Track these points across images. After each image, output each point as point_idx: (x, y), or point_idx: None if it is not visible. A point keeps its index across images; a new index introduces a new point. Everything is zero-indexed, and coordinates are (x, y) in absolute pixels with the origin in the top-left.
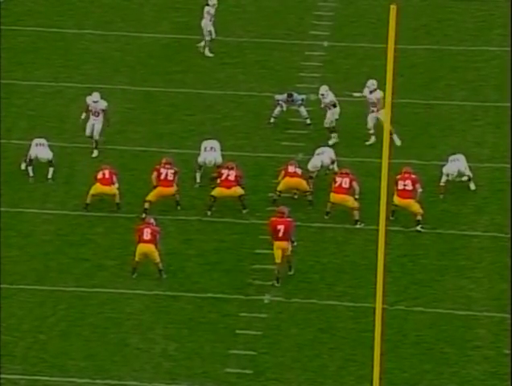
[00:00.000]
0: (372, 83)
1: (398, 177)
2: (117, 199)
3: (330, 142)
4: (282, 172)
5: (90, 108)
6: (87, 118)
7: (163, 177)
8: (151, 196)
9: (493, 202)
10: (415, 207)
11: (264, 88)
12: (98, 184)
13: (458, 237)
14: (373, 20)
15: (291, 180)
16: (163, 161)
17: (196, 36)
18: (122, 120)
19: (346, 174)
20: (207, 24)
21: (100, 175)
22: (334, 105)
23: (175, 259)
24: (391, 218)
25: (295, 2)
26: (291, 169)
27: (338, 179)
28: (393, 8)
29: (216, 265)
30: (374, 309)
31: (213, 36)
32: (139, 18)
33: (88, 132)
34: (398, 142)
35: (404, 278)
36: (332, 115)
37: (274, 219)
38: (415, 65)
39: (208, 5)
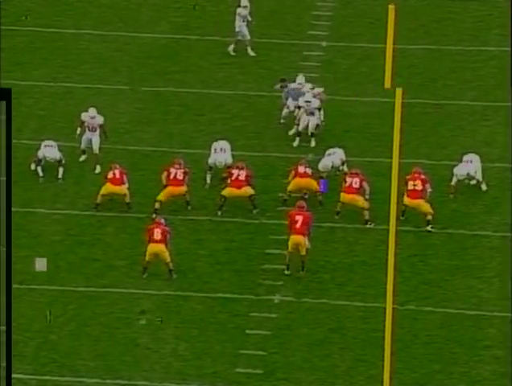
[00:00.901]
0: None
1: (408, 177)
2: (128, 199)
3: (295, 144)
4: (293, 172)
5: (86, 124)
6: (82, 133)
7: (172, 176)
8: (162, 196)
9: (504, 202)
10: (425, 207)
11: (263, 88)
12: (108, 184)
13: (468, 237)
14: (372, 20)
15: (301, 180)
16: (174, 161)
17: (194, 36)
18: (132, 120)
19: (356, 174)
20: (239, 26)
21: (110, 175)
22: (319, 109)
23: (186, 259)
24: (401, 218)
25: (294, 2)
26: (301, 169)
27: (348, 179)
28: (391, 8)
29: (226, 265)
30: (385, 309)
31: (247, 38)
32: (138, 18)
33: (83, 146)
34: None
35: (414, 278)
36: (317, 119)
37: (293, 211)
38: (414, 65)
39: (239, 6)
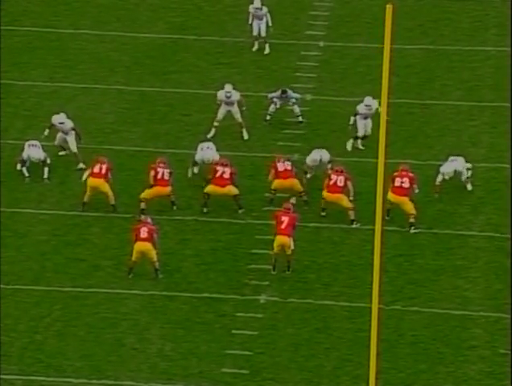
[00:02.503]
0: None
1: (396, 174)
2: (112, 201)
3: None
4: (272, 171)
5: (57, 127)
6: (51, 134)
7: (159, 176)
8: (146, 194)
9: (489, 202)
10: (409, 206)
11: (260, 88)
12: (91, 178)
13: (454, 237)
14: (369, 20)
15: (284, 182)
16: (158, 160)
17: (191, 36)
18: (118, 120)
19: (341, 171)
20: (254, 24)
21: (96, 169)
22: (239, 102)
23: (172, 259)
24: (387, 217)
25: (291, 2)
26: (280, 167)
27: (333, 177)
28: (389, 8)
29: (212, 265)
30: (370, 309)
31: (261, 34)
32: (135, 18)
33: (57, 143)
34: (246, 136)
35: (400, 278)
36: (238, 110)
37: (279, 212)
38: (411, 65)
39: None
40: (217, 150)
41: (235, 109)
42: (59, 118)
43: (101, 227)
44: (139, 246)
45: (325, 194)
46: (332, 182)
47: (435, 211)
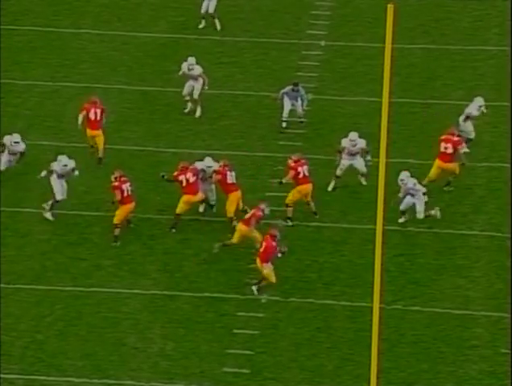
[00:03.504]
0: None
1: (442, 138)
2: (100, 154)
3: (197, 114)
4: (292, 172)
5: (7, 148)
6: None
7: (185, 184)
8: (180, 208)
9: (491, 201)
10: (453, 168)
11: (261, 87)
12: (88, 129)
13: (455, 236)
14: (370, 19)
15: (303, 188)
16: (187, 166)
17: (192, 36)
18: (119, 119)
19: (301, 160)
20: (203, 2)
21: (92, 115)
22: (201, 77)
23: (173, 258)
24: (447, 188)
25: (292, 2)
26: (301, 170)
27: (300, 169)
28: (390, 7)
29: (213, 265)
30: (372, 308)
31: (210, 11)
32: (136, 17)
33: (2, 167)
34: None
35: (401, 277)
36: (200, 87)
37: (266, 235)
38: (412, 64)
39: None
40: (218, 150)
41: (197, 86)
42: (13, 138)
43: (101, 226)
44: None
45: (303, 187)
46: (301, 175)
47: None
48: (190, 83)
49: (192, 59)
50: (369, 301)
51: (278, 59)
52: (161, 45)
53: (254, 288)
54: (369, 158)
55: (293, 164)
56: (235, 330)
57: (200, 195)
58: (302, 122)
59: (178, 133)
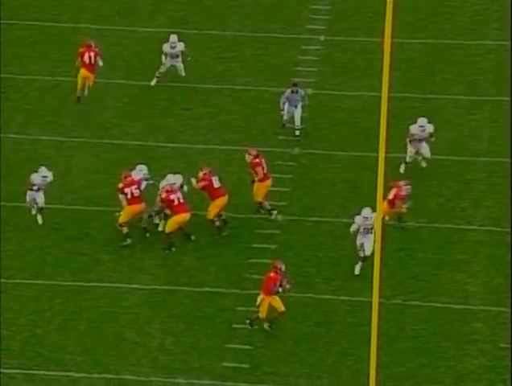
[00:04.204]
0: None
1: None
2: (85, 91)
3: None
4: (394, 191)
5: (37, 185)
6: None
7: (216, 186)
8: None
9: (490, 196)
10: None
11: (261, 82)
12: (83, 69)
13: (455, 231)
14: (370, 14)
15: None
16: (206, 170)
17: (192, 30)
18: (119, 114)
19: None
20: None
21: (86, 59)
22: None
23: (172, 253)
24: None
25: None
26: (400, 191)
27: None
28: (389, 2)
29: (212, 259)
30: (371, 303)
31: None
32: (135, 12)
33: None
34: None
35: (401, 272)
36: (182, 65)
37: (273, 275)
38: (412, 59)
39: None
40: (217, 144)
41: (180, 65)
42: (41, 172)
43: (101, 221)
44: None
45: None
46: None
47: (436, 205)
48: (171, 62)
49: (174, 37)
50: (368, 295)
51: (278, 53)
52: (160, 40)
53: (266, 325)
54: (433, 139)
55: (255, 160)
56: (234, 325)
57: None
58: (298, 134)
59: (177, 127)
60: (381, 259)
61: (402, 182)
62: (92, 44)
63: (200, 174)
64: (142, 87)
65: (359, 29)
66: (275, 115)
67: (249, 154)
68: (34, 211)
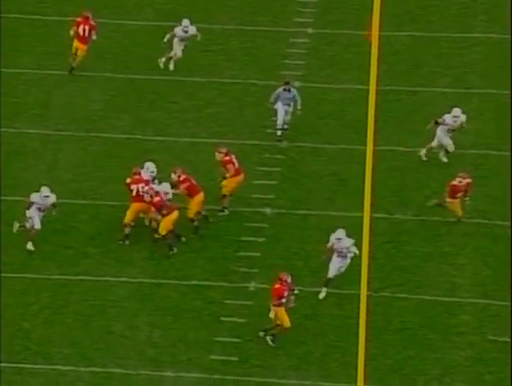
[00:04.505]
0: None
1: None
2: (76, 62)
3: None
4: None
5: (36, 204)
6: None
7: (194, 183)
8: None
9: (477, 188)
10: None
11: (248, 75)
12: (76, 41)
13: (442, 224)
14: (357, 7)
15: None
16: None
17: (179, 23)
18: (106, 107)
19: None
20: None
21: (81, 31)
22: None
23: (159, 246)
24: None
25: None
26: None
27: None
28: None
29: (200, 252)
30: (359, 295)
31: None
32: (123, 4)
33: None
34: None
35: (388, 265)
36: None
37: (278, 286)
38: (399, 52)
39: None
40: (204, 138)
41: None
42: (42, 192)
43: (88, 214)
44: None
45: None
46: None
47: (423, 198)
48: (181, 44)
49: (186, 21)
50: (356, 288)
51: (265, 46)
52: (148, 33)
53: (269, 338)
54: (464, 128)
55: (226, 158)
56: (222, 318)
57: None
58: (284, 131)
59: (165, 120)
60: (369, 252)
61: (462, 174)
62: (90, 16)
63: (175, 178)
64: (130, 80)
65: (346, 22)
66: (262, 108)
67: (220, 153)
68: (16, 228)
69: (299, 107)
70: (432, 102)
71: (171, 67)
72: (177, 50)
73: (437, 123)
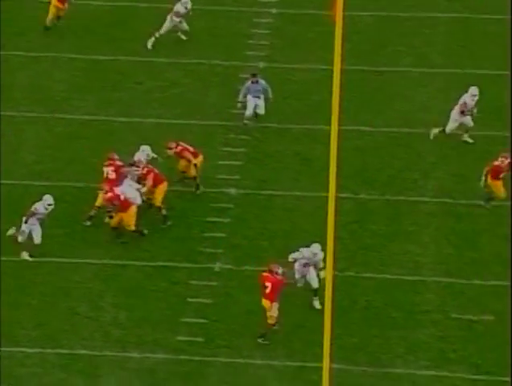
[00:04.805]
0: None
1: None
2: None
3: None
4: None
5: (39, 214)
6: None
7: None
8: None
9: (440, 167)
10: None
11: (212, 55)
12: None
13: (406, 203)
14: None
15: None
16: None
17: (143, 4)
18: (70, 88)
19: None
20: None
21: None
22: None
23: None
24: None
25: None
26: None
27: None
28: None
29: (166, 233)
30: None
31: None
32: None
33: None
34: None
35: (353, 244)
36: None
37: (265, 274)
38: (363, 31)
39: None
40: (169, 119)
41: (184, 25)
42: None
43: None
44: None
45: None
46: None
47: (387, 177)
48: (176, 20)
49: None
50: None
51: (229, 27)
52: (111, 13)
53: (260, 340)
54: (475, 110)
55: (178, 148)
56: (188, 299)
57: None
58: (246, 124)
59: (129, 101)
60: (335, 231)
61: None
62: None
63: (140, 171)
64: (93, 61)
65: (310, 1)
66: (227, 89)
67: (170, 149)
68: (20, 239)
69: (270, 96)
70: (396, 81)
71: (149, 45)
72: (166, 27)
73: (463, 112)
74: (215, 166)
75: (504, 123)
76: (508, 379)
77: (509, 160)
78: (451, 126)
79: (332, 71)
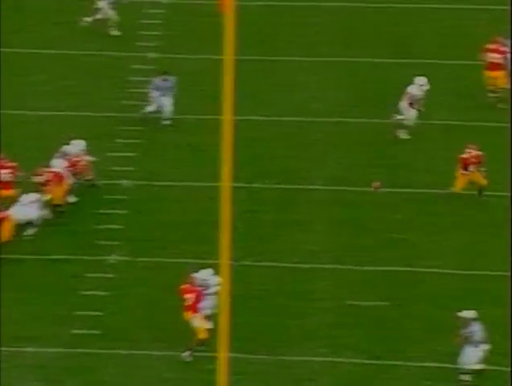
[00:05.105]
0: None
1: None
2: None
3: None
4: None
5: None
6: None
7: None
8: None
9: (331, 156)
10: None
11: (103, 47)
12: None
13: (298, 191)
14: None
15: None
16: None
17: None
18: None
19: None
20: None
21: None
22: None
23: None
24: None
25: None
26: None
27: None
28: None
29: (59, 227)
30: (220, 265)
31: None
32: None
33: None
34: None
35: (248, 233)
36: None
37: (185, 286)
38: (253, 21)
39: None
40: (61, 111)
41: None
42: None
43: None
44: None
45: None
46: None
47: (280, 167)
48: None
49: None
50: (217, 258)
51: (120, 17)
52: None
53: (187, 354)
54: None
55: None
56: (84, 292)
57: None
58: (169, 123)
59: (22, 93)
60: (230, 221)
61: (473, 147)
62: None
63: (42, 178)
64: None
65: None
66: (118, 80)
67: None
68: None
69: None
70: (288, 71)
71: (116, 32)
72: (109, 11)
73: (411, 104)
74: (108, 158)
75: (389, 111)
76: (399, 363)
77: (476, 152)
78: (409, 116)
79: (223, 61)
